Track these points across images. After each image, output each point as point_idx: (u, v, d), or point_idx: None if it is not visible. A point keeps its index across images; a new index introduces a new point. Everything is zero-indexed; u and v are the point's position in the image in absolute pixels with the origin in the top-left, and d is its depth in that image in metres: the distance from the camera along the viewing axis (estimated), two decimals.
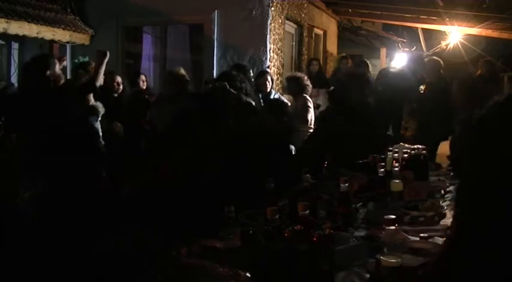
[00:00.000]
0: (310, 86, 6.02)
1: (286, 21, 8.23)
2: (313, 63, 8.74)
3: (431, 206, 2.87)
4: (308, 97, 5.88)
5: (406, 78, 7.17)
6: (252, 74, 5.79)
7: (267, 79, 5.92)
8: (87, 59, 5.42)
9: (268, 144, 3.38)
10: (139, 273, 1.84)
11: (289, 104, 4.89)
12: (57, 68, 4.40)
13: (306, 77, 6.05)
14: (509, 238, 1.08)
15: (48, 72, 4.27)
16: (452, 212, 2.75)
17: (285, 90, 7.22)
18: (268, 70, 6.93)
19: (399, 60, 10.60)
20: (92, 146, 4.52)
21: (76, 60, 5.41)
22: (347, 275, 1.99)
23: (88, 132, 4.51)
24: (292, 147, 4.15)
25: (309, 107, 5.80)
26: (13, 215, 3.58)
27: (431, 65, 7.10)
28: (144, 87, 6.33)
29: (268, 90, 5.91)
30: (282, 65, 8.09)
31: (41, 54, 5.02)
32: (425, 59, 8.64)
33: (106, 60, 4.52)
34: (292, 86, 6.00)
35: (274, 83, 6.44)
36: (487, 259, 1.11)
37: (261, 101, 5.61)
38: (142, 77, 6.43)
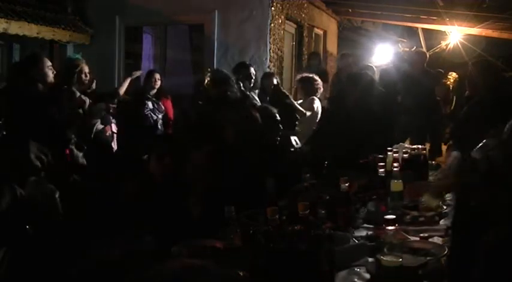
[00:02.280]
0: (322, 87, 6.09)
1: (286, 21, 8.22)
2: (313, 58, 8.73)
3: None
4: (316, 98, 5.93)
5: (390, 74, 7.00)
6: (254, 72, 5.76)
7: (272, 82, 5.91)
8: (78, 56, 5.28)
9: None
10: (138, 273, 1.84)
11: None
12: (46, 67, 4.32)
13: (318, 79, 6.07)
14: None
15: (34, 71, 4.21)
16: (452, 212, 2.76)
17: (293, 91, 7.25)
18: (273, 72, 6.91)
19: (380, 55, 10.60)
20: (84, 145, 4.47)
21: (71, 55, 5.30)
22: (347, 275, 1.99)
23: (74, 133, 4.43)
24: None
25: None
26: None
27: (417, 57, 6.86)
28: (158, 86, 6.00)
29: None
30: (282, 65, 8.08)
31: (29, 54, 4.94)
32: (412, 49, 8.48)
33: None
34: (306, 87, 6.02)
35: None
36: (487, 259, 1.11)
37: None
38: (157, 76, 6.04)
